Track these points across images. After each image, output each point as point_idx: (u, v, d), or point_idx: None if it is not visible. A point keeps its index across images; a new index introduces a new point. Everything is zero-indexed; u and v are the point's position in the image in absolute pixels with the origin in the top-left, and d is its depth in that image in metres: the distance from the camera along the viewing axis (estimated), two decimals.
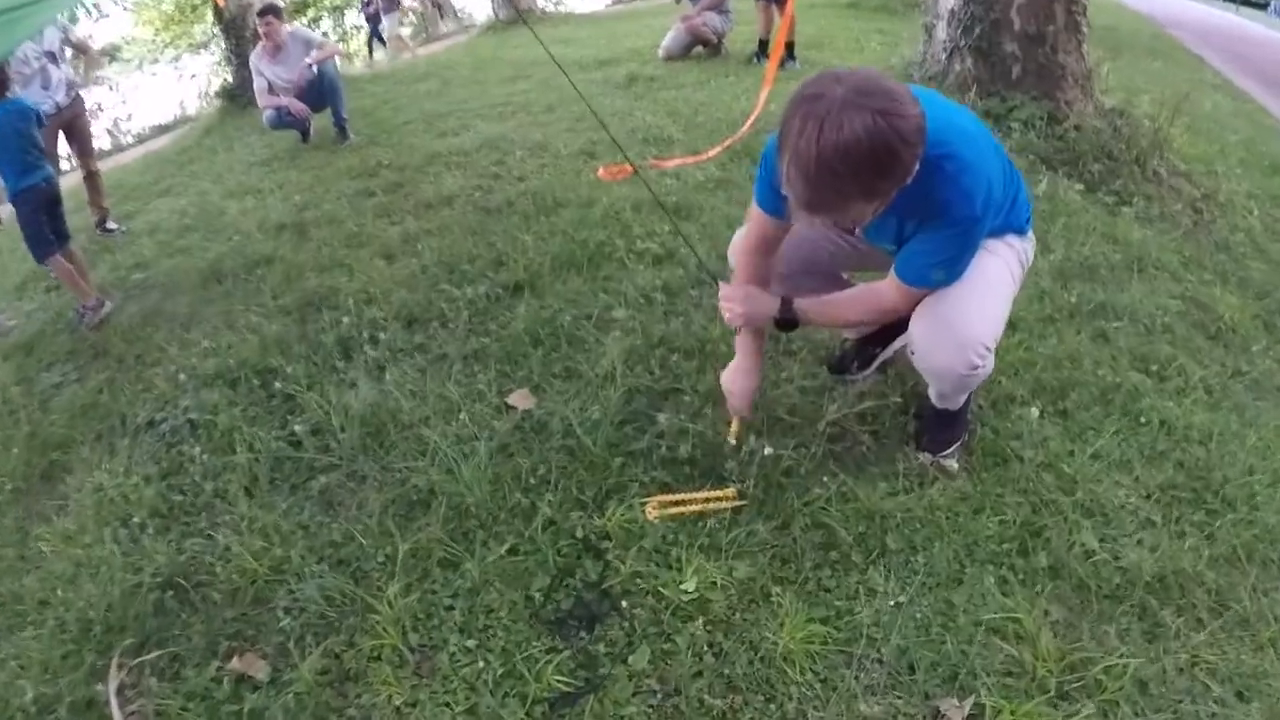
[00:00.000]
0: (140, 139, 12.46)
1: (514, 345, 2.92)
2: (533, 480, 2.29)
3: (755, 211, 2.11)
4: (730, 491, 2.18)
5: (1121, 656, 1.84)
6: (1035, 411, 2.51)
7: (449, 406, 2.64)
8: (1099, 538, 2.19)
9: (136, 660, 1.99)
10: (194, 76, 16.67)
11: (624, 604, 1.96)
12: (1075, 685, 1.80)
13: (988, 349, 1.99)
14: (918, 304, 2.00)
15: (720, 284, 2.15)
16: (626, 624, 1.93)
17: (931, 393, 2.24)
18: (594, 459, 2.31)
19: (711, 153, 4.42)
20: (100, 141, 9.90)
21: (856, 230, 2.05)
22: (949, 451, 2.33)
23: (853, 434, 2.39)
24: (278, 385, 2.94)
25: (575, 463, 2.33)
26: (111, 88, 16.90)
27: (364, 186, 5.21)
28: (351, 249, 4.14)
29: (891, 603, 1.98)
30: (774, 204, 2.00)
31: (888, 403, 2.48)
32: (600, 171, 4.35)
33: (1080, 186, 4.32)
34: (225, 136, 8.09)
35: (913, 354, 2.07)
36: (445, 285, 3.46)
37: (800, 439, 2.35)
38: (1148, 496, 2.34)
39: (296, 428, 2.66)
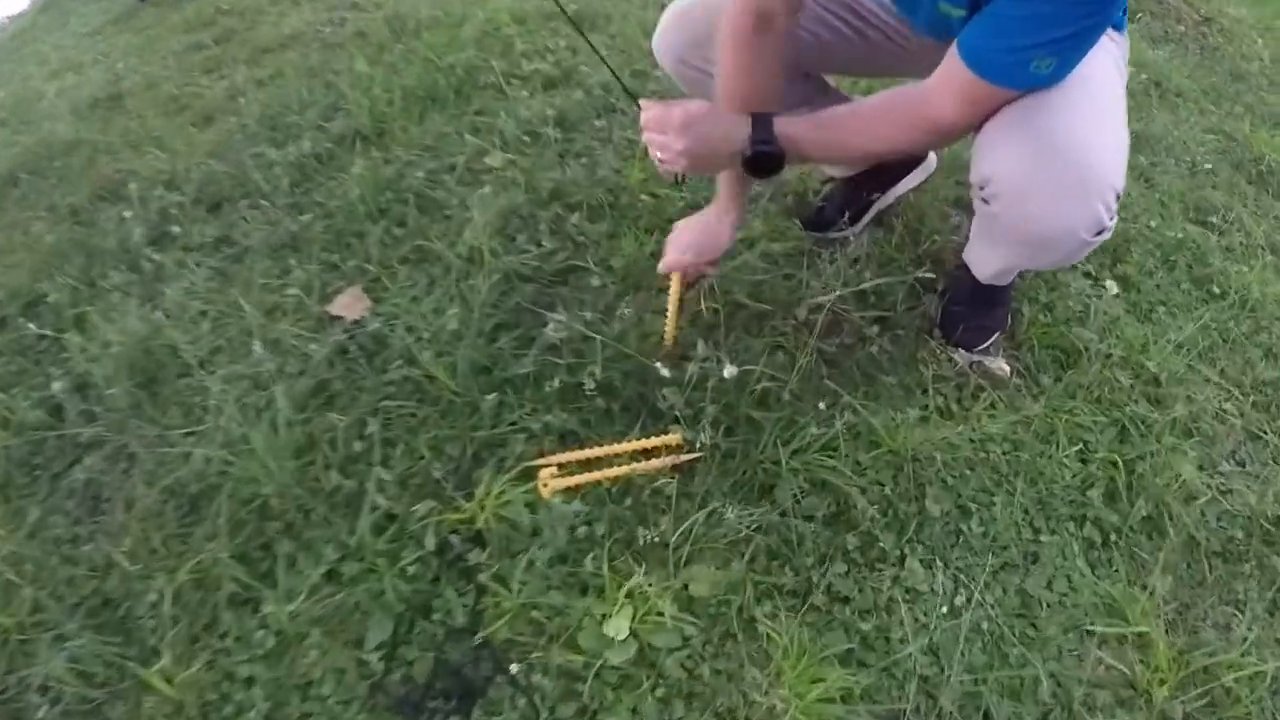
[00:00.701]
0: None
1: (345, 221, 1.89)
2: (358, 445, 1.33)
3: None
4: (673, 438, 1.27)
5: (1249, 650, 1.23)
6: (1113, 287, 1.65)
7: (243, 329, 1.63)
8: (1198, 465, 1.47)
9: None
10: None
11: (513, 666, 1.08)
12: (1199, 704, 1.17)
13: (1119, 196, 1.10)
14: (986, 120, 1.10)
15: (642, 104, 1.15)
16: (523, 700, 1.05)
17: (986, 262, 1.36)
18: (452, 399, 1.36)
19: None
20: None
21: None
22: (989, 343, 1.48)
23: (852, 326, 1.48)
24: (30, 326, 1.88)
25: (424, 406, 1.37)
26: None
27: (195, 40, 3.97)
28: (167, 117, 2.99)
29: (944, 609, 1.17)
30: None
31: (903, 276, 1.55)
32: None
33: None
34: (61, 11, 6.49)
35: (988, 200, 1.14)
36: (263, 147, 2.38)
37: (775, 339, 1.44)
38: (1244, 398, 1.61)
39: (56, 386, 1.64)
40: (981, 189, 1.13)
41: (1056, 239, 1.11)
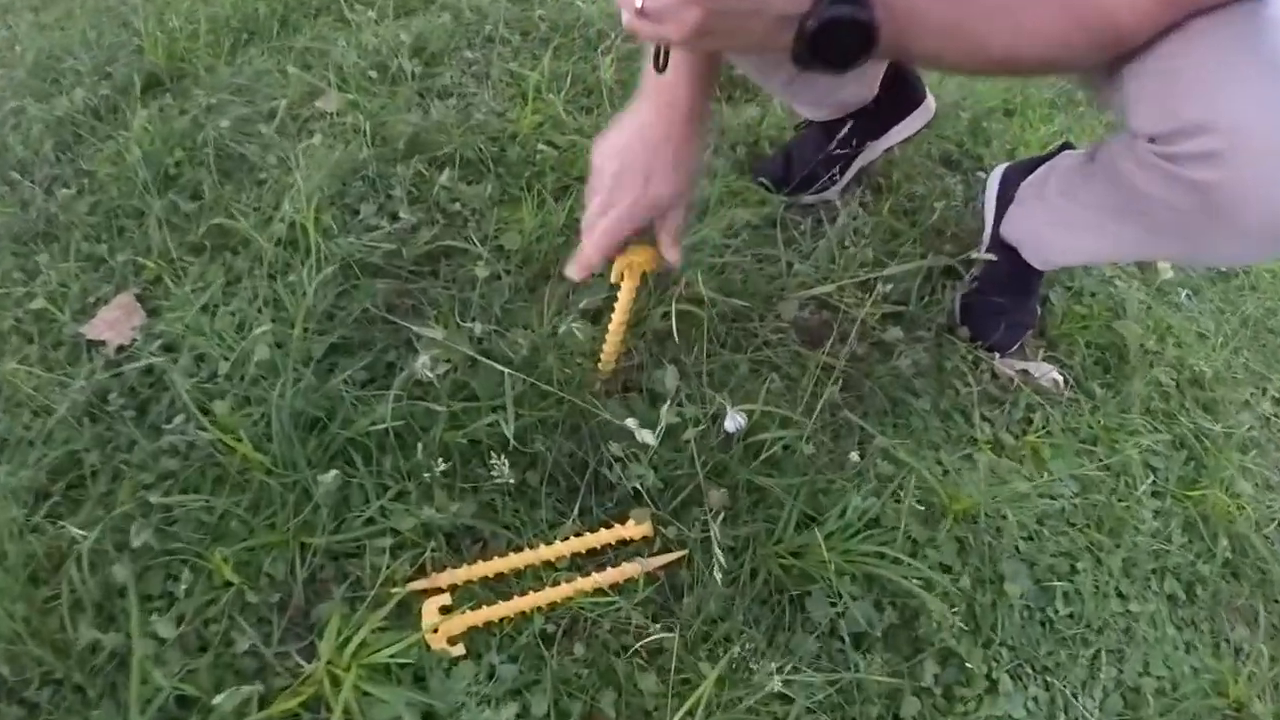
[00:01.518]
0: None
1: (120, 195, 1.21)
2: (118, 571, 0.73)
3: None
4: (637, 528, 0.74)
5: None
6: (1167, 269, 1.26)
7: None
8: (1254, 483, 1.12)
9: None
10: None
11: None
12: None
13: None
14: (1165, 26, 0.65)
15: None
16: None
17: (1081, 247, 0.91)
18: (265, 479, 0.77)
19: None
20: None
21: None
22: (1018, 342, 1.06)
23: (862, 329, 0.97)
24: None
25: (222, 493, 0.78)
26: None
27: None
28: None
29: None
30: None
31: (939, 256, 1.06)
32: None
33: None
34: None
35: (1178, 160, 0.66)
36: (26, 102, 1.65)
37: (760, 352, 0.92)
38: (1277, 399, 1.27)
39: None
40: (1174, 143, 0.66)
41: None
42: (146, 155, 1.30)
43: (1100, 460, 0.97)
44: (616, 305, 0.79)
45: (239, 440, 0.79)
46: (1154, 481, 0.99)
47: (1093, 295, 1.17)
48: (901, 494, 0.80)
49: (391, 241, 0.99)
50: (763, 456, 0.77)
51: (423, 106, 1.23)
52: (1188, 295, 1.30)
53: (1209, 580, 0.99)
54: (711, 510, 0.72)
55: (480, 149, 1.12)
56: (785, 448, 0.80)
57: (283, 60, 1.53)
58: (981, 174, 1.25)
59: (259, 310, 0.98)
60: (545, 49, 1.35)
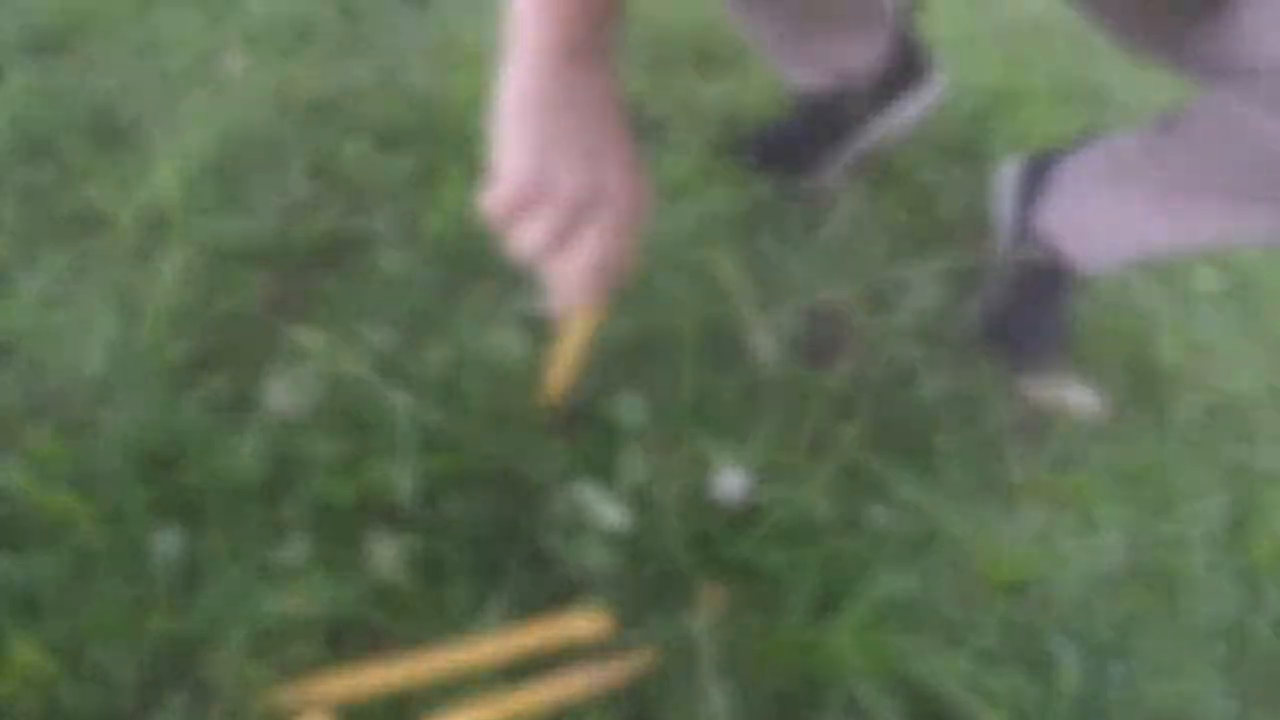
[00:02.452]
0: None
1: None
2: None
3: None
4: (589, 624, 0.51)
5: None
6: (1211, 278, 1.06)
7: None
8: None
9: None
10: None
11: None
12: None
13: None
14: None
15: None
16: None
17: (1179, 226, 0.68)
18: (91, 539, 0.53)
19: None
20: None
21: None
22: (1050, 361, 0.86)
23: (874, 346, 0.77)
24: None
25: (33, 552, 0.52)
26: None
27: None
28: None
29: None
30: None
31: (930, 254, 0.85)
32: None
33: None
34: None
35: None
36: None
37: (749, 376, 0.69)
38: None
39: None
40: None
41: None
42: (15, 120, 1.05)
43: (1147, 506, 0.78)
44: (571, 331, 0.56)
45: (45, 482, 0.56)
46: (1202, 530, 0.81)
47: (1115, 305, 0.98)
48: (936, 564, 0.59)
49: (280, 222, 0.75)
50: (765, 526, 0.55)
51: (340, 67, 0.99)
52: (1209, 305, 1.12)
53: (1258, 639, 0.82)
54: (701, 614, 0.50)
55: (402, 116, 0.88)
56: (801, 513, 0.59)
57: (190, 17, 1.28)
58: (993, 165, 1.05)
59: (111, 308, 0.73)
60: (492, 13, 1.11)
